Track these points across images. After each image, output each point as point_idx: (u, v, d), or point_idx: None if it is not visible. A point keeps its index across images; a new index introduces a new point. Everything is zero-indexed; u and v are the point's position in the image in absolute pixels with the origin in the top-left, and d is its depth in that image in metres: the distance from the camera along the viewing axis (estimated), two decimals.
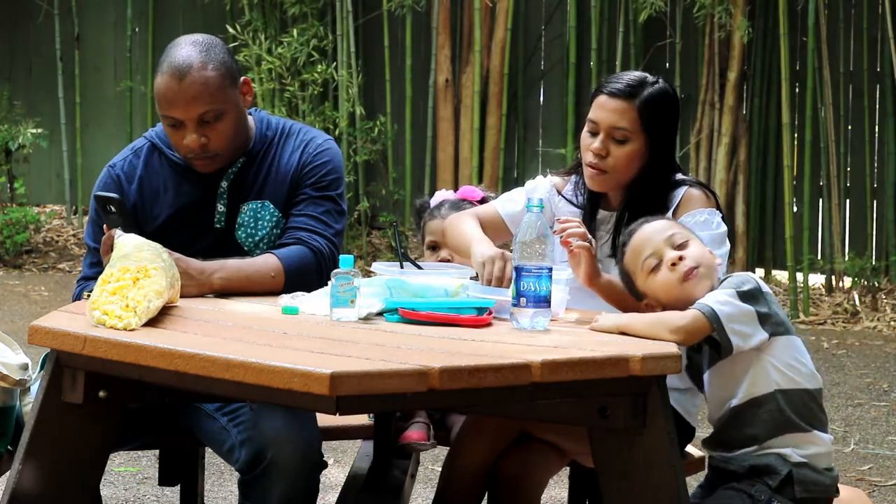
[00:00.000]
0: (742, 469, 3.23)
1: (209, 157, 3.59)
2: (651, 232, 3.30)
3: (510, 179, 9.75)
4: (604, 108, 3.55)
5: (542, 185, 3.76)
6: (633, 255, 3.30)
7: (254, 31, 9.59)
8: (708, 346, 3.22)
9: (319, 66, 9.43)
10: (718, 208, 3.59)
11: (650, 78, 3.59)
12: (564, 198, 3.71)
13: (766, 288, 3.24)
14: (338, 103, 9.60)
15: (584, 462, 3.55)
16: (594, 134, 3.57)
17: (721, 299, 3.15)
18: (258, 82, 9.43)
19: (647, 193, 3.57)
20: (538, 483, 3.60)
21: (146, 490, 5.07)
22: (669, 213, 3.55)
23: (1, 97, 10.29)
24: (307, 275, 3.55)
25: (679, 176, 3.62)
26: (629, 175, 3.57)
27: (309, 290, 3.43)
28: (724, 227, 3.55)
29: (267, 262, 3.56)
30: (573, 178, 3.72)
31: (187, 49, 3.55)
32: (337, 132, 9.47)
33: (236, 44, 9.48)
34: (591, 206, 3.66)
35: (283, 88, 9.51)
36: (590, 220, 3.64)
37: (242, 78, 3.65)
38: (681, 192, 3.58)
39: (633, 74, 3.60)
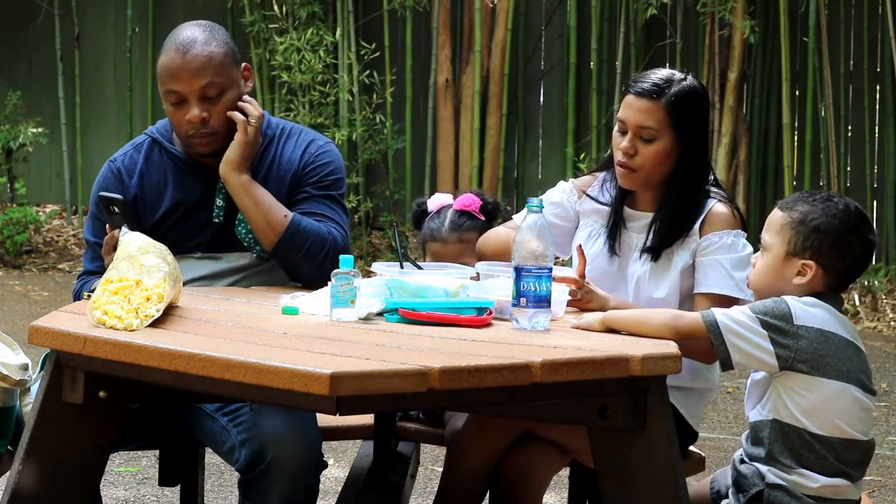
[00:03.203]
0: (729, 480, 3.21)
1: (209, 134, 3.60)
2: None
3: (510, 180, 9.74)
4: (631, 108, 3.56)
5: (558, 188, 3.77)
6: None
7: (257, 31, 9.59)
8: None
9: (318, 67, 9.42)
10: (744, 226, 3.60)
11: (678, 75, 3.58)
12: (589, 196, 3.72)
13: (803, 321, 3.11)
14: (338, 103, 9.60)
15: (586, 461, 3.55)
16: (623, 133, 3.58)
17: (736, 318, 3.11)
18: (288, 74, 9.40)
19: (680, 193, 3.58)
20: (540, 482, 3.59)
21: (146, 490, 5.06)
22: (696, 226, 3.56)
23: (7, 99, 10.28)
24: (313, 245, 3.57)
25: (712, 189, 3.62)
26: (660, 173, 3.58)
27: (306, 265, 3.47)
28: (749, 249, 3.55)
29: (281, 209, 3.61)
30: (601, 175, 3.73)
31: (191, 29, 3.63)
32: (354, 134, 9.46)
33: (276, 26, 9.46)
34: (618, 203, 3.67)
35: (311, 87, 9.49)
36: (618, 213, 3.65)
37: (244, 63, 3.67)
38: (708, 205, 3.59)
39: (661, 73, 3.59)
